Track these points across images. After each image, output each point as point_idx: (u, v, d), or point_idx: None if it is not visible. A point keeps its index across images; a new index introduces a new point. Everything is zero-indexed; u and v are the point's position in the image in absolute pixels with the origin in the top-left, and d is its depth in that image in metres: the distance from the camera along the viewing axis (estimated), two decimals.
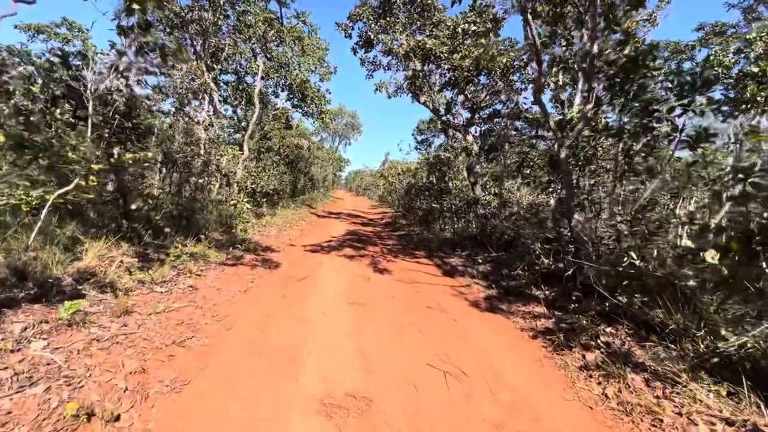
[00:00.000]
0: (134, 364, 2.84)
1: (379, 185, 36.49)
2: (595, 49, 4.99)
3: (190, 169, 7.42)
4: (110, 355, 2.91)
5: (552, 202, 7.65)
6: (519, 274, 5.98)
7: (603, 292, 4.55)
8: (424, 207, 15.54)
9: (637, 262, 3.79)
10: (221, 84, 14.93)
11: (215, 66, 11.76)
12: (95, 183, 3.86)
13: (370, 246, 10.01)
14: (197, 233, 6.83)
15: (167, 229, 5.57)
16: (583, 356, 3.74)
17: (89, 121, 3.91)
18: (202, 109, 10.32)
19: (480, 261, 7.45)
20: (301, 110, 16.92)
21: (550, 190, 6.87)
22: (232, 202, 8.99)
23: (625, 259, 4.60)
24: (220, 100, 13.94)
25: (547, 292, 5.38)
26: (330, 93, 17.37)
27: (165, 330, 3.56)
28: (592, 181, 6.07)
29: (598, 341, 3.92)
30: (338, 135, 43.78)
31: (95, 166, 3.51)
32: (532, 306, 5.11)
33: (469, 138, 10.60)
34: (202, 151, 8.90)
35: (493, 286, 6.06)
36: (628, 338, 3.94)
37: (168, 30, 10.40)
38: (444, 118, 11.08)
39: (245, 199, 9.29)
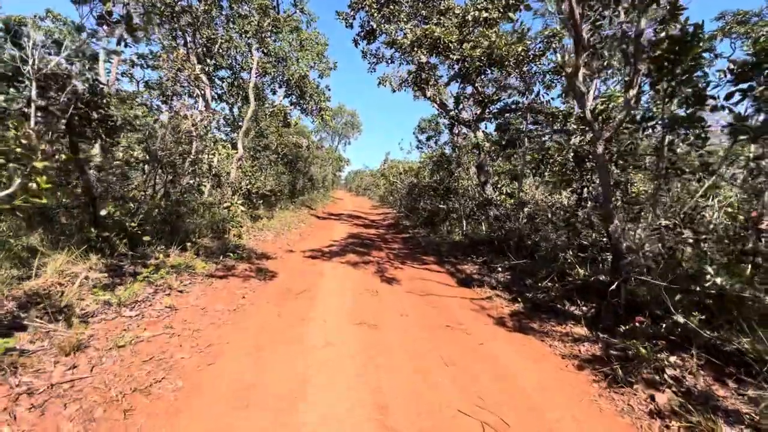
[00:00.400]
0: None
1: (380, 185, 35.74)
2: (643, 23, 4.25)
3: (176, 169, 6.66)
4: (42, 419, 2.16)
5: (571, 202, 6.92)
6: (548, 286, 5.24)
7: (658, 311, 3.81)
8: (429, 208, 14.80)
9: (718, 280, 3.05)
10: (216, 80, 14.17)
11: (208, 60, 11.00)
12: (47, 185, 3.10)
13: (374, 251, 9.27)
14: (184, 240, 6.08)
15: (146, 237, 4.81)
16: (651, 397, 2.99)
17: (32, 107, 3.17)
18: (194, 104, 9.57)
19: (499, 269, 6.71)
20: (299, 107, 16.16)
21: (577, 189, 6.13)
22: (224, 205, 8.24)
23: (683, 270, 3.87)
24: (214, 97, 13.19)
25: (584, 308, 4.64)
26: (330, 90, 16.61)
27: (128, 370, 2.81)
28: (628, 180, 5.33)
29: (665, 375, 3.18)
30: (338, 134, 42.94)
31: (39, 164, 2.76)
32: (569, 325, 4.37)
33: (479, 134, 9.85)
34: (193, 150, 8.15)
35: (519, 299, 5.31)
36: (702, 372, 3.20)
37: (158, 21, 9.65)
38: (452, 113, 10.32)
39: (239, 201, 8.54)
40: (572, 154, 6.21)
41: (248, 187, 9.33)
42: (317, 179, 25.53)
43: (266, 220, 11.19)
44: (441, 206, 12.01)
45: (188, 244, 5.98)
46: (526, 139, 7.24)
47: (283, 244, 8.93)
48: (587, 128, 5.22)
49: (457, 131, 14.88)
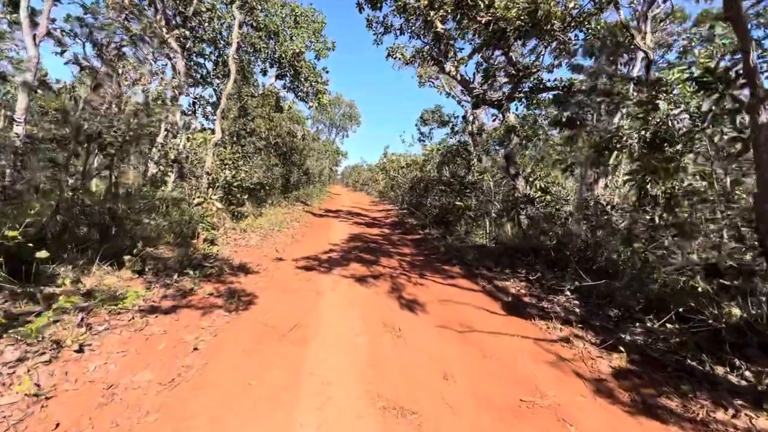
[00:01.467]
0: None
1: (379, 180, 33.87)
2: None
3: (123, 150, 4.78)
4: None
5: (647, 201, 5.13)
6: (667, 330, 3.44)
7: None
8: (439, 205, 12.97)
9: None
10: (197, 58, 12.15)
11: (182, 27, 9.03)
12: None
13: (383, 258, 7.44)
14: (123, 251, 4.21)
15: (41, 253, 2.94)
16: None
17: None
18: (159, 72, 7.65)
19: (566, 290, 4.90)
20: (293, 91, 14.21)
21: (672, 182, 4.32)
22: (196, 201, 6.38)
23: None
24: (193, 74, 11.20)
25: (749, 374, 2.84)
26: (327, 72, 14.65)
27: None
28: None
29: None
30: (335, 126, 40.78)
31: None
32: (740, 411, 2.58)
33: (511, 116, 8.02)
34: (160, 131, 6.23)
35: (618, 345, 3.51)
36: None
37: None
38: (477, 91, 8.46)
39: (216, 197, 6.69)
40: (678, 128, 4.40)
41: (229, 179, 7.46)
42: (313, 173, 23.59)
43: (252, 219, 9.31)
44: (457, 203, 10.18)
45: (128, 257, 4.11)
46: (594, 115, 5.43)
47: (271, 250, 7.07)
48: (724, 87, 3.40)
49: (471, 117, 13.04)
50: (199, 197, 6.38)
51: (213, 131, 9.04)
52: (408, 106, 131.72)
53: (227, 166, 7.52)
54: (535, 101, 8.36)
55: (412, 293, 5.29)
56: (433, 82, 18.53)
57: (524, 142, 7.89)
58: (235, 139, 9.83)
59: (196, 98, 13.11)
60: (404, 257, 7.71)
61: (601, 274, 4.72)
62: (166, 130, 6.86)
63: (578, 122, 5.28)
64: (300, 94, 13.70)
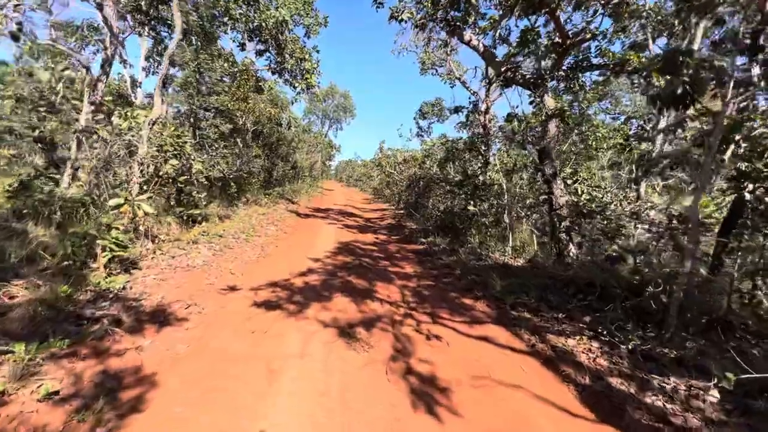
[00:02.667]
0: None
1: (374, 176, 31.77)
2: None
3: None
4: None
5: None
6: None
7: None
8: (444, 208, 10.97)
9: None
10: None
11: None
12: None
13: (380, 283, 5.42)
14: None
15: None
16: None
17: None
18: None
19: (712, 388, 2.88)
20: (278, 72, 12.01)
21: None
22: (112, 203, 4.29)
23: None
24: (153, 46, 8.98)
25: None
26: (318, 52, 12.46)
27: None
28: None
29: None
30: (328, 118, 38.29)
31: None
32: None
33: (549, 100, 6.03)
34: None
35: None
36: None
37: None
38: (507, 66, 6.40)
39: (144, 197, 4.59)
40: None
41: (172, 172, 5.33)
42: (302, 167, 21.39)
43: (214, 225, 7.23)
44: (470, 208, 8.18)
45: None
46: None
47: (223, 274, 5.00)
48: None
49: (484, 106, 11.02)
50: (117, 198, 4.29)
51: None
52: (406, 101, 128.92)
53: (172, 155, 5.44)
54: (577, 82, 6.36)
55: (427, 360, 3.29)
56: (436, 70, 16.46)
57: (570, 132, 5.94)
58: (191, 120, 7.72)
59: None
60: (407, 282, 5.69)
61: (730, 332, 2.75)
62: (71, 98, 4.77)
63: (690, 99, 3.31)
64: (285, 75, 11.53)
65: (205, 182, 7.03)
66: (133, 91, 10.58)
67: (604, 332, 3.64)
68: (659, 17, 9.03)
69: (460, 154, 12.86)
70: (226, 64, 9.39)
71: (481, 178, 9.16)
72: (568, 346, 3.59)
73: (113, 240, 3.75)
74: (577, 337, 3.70)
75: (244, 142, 10.74)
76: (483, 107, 11.21)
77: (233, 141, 9.57)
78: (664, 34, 9.73)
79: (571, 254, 5.94)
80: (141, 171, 5.08)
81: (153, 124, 5.19)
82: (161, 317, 3.37)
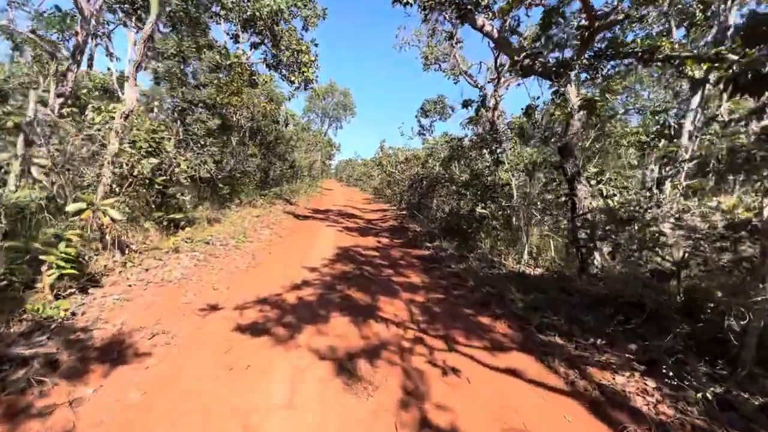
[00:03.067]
0: None
1: (374, 176, 31.10)
2: None
3: None
4: None
5: None
6: None
7: None
8: (450, 211, 10.30)
9: None
10: None
11: None
12: None
13: (384, 298, 4.76)
14: None
15: None
16: None
17: None
18: None
19: None
20: (274, 66, 11.34)
21: None
22: (70, 208, 3.61)
23: None
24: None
25: None
26: (317, 45, 11.77)
27: None
28: None
29: None
30: (328, 116, 37.49)
31: None
32: None
33: (571, 91, 5.35)
34: None
35: None
36: None
37: None
38: (526, 54, 5.67)
39: (111, 201, 3.92)
40: None
41: (147, 171, 4.65)
42: (301, 166, 20.69)
43: (201, 229, 6.56)
44: (480, 210, 7.51)
45: None
46: None
47: (205, 289, 4.33)
48: None
49: (492, 102, 10.34)
50: (78, 203, 3.61)
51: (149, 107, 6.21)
52: (407, 100, 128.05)
53: (147, 152, 4.75)
54: (602, 72, 5.69)
55: (446, 407, 2.63)
56: (440, 65, 15.78)
57: (599, 126, 5.27)
58: (175, 115, 7.04)
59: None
60: (415, 295, 5.03)
61: None
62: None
63: None
64: (282, 69, 10.85)
65: (190, 183, 6.36)
66: (120, 86, 9.90)
67: (662, 367, 2.97)
68: (679, 5, 8.36)
69: (466, 153, 12.20)
70: (217, 57, 8.72)
71: (490, 177, 8.50)
72: (617, 384, 2.92)
73: (61, 254, 3.08)
74: (627, 373, 3.03)
75: (239, 139, 10.06)
76: (491, 103, 10.53)
77: (224, 138, 8.89)
78: (684, 24, 9.06)
79: (595, 264, 5.28)
80: (111, 171, 4.41)
81: (125, 117, 4.51)
82: (115, 353, 2.70)
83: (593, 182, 5.89)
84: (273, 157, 13.83)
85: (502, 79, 10.30)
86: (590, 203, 5.47)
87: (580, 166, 5.65)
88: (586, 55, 5.88)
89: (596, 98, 4.97)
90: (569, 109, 5.16)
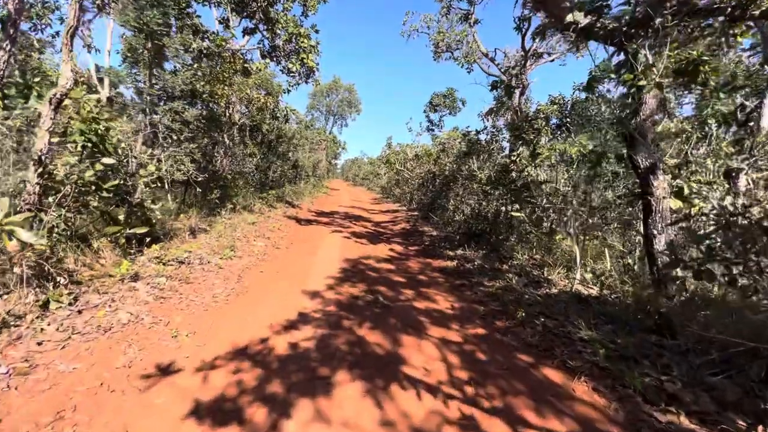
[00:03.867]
0: None
1: (382, 175, 29.82)
2: None
3: None
4: None
5: None
6: None
7: None
8: (473, 213, 8.96)
9: None
10: None
11: None
12: None
13: (407, 337, 3.49)
14: None
15: None
16: None
17: None
18: None
19: None
20: (271, 56, 10.11)
21: None
22: None
23: None
24: None
25: None
26: (317, 32, 10.49)
27: None
28: None
29: None
30: (332, 114, 36.08)
31: None
32: None
33: (646, 56, 4.03)
34: None
35: None
36: None
37: None
38: (589, 8, 4.32)
39: (21, 218, 2.72)
40: None
41: (89, 176, 3.43)
42: (304, 165, 19.46)
43: (179, 244, 5.35)
44: (514, 213, 6.18)
45: None
46: None
47: (161, 337, 3.09)
48: None
49: (519, 85, 8.98)
50: None
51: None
52: (412, 97, 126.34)
53: (82, 147, 3.52)
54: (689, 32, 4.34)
55: None
56: (452, 53, 14.40)
57: (707, 98, 3.94)
58: (146, 108, 5.81)
59: None
60: (448, 330, 3.74)
61: None
62: None
63: None
64: (279, 56, 9.60)
65: (166, 187, 5.15)
66: (100, 81, 8.73)
67: None
68: None
69: (487, 147, 10.86)
70: (204, 43, 7.50)
71: (523, 173, 7.13)
72: None
73: None
74: None
75: (231, 136, 8.85)
76: (517, 84, 9.18)
77: (213, 134, 7.68)
78: None
79: (683, 288, 3.93)
80: (38, 175, 3.21)
81: (58, 103, 3.31)
82: None
83: (669, 176, 4.54)
84: (273, 157, 12.60)
85: (528, 63, 8.95)
86: (671, 204, 4.13)
87: (657, 158, 4.30)
88: (663, 12, 4.52)
89: (704, 56, 3.61)
90: (647, 81, 3.82)
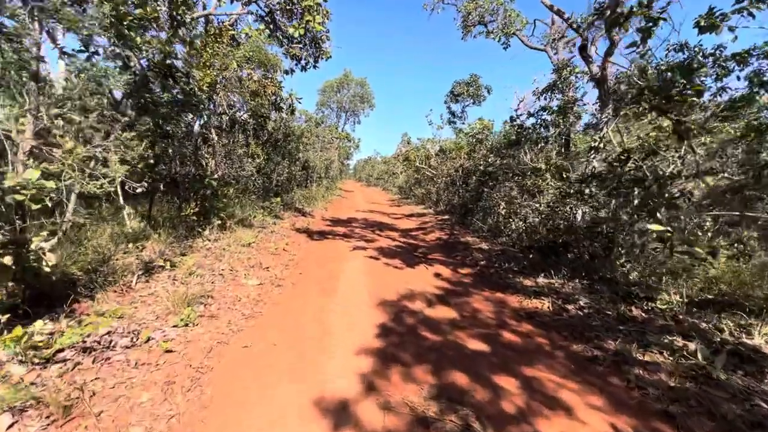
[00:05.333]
0: None
1: (398, 173, 27.44)
2: None
3: None
4: None
5: None
6: None
7: None
8: (554, 224, 6.51)
9: None
10: None
11: None
12: None
13: None
14: None
15: None
16: None
17: None
18: None
19: None
20: (270, 25, 7.84)
21: None
22: None
23: None
24: None
25: None
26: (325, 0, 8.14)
27: None
28: None
29: None
30: (344, 110, 33.46)
31: None
32: None
33: None
34: None
35: None
36: None
37: None
38: None
39: None
40: None
41: None
42: (316, 166, 17.22)
43: (101, 307, 3.09)
44: (653, 226, 3.78)
45: None
46: None
47: None
48: None
49: (593, 51, 6.48)
50: None
51: None
52: (425, 93, 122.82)
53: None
54: None
55: None
56: (485, 25, 11.91)
57: None
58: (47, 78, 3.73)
59: None
60: None
61: None
62: None
63: None
64: (275, 21, 7.35)
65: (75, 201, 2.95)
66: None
67: None
68: None
69: (543, 134, 8.43)
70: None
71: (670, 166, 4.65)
72: None
73: None
74: None
75: (222, 132, 6.66)
76: (593, 52, 6.70)
77: (177, 122, 5.46)
78: None
79: None
80: None
81: None
82: None
83: None
84: (278, 156, 10.37)
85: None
86: None
87: None
88: None
89: None
90: None
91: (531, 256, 5.92)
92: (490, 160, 10.81)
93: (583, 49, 6.46)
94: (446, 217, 12.55)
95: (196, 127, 6.75)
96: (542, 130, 8.38)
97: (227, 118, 7.02)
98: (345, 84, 31.54)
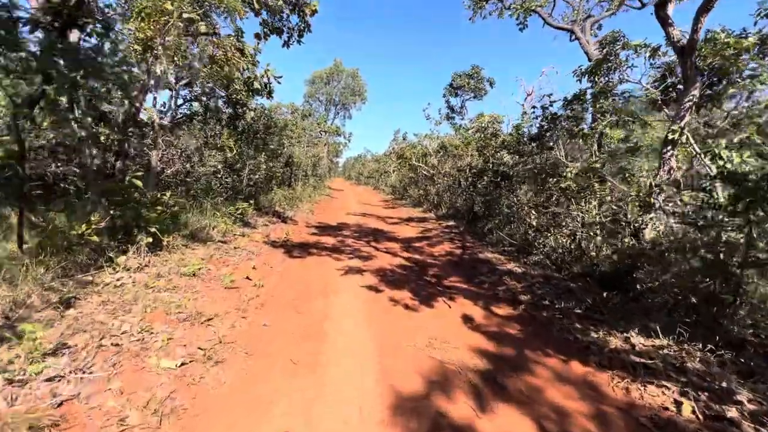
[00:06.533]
0: None
1: (390, 172, 25.52)
2: None
3: None
4: None
5: None
6: None
7: None
8: (623, 246, 4.73)
9: None
10: None
11: None
12: None
13: None
14: None
15: None
16: None
17: None
18: None
19: None
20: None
21: None
22: None
23: None
24: None
25: None
26: None
27: None
28: None
29: None
30: (334, 104, 31.03)
31: None
32: None
33: None
34: None
35: None
36: None
37: None
38: None
39: None
40: None
41: None
42: (301, 163, 15.14)
43: None
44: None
45: None
46: None
47: None
48: None
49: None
50: None
51: None
52: (416, 92, 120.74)
53: None
54: None
55: None
56: (501, 2, 10.07)
57: None
58: None
59: None
60: None
61: None
62: None
63: None
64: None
65: None
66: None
67: None
68: None
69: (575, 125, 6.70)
70: None
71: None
72: None
73: None
74: None
75: (161, 117, 4.72)
76: (670, 8, 4.93)
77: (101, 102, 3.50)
78: None
79: None
80: None
81: None
82: None
83: None
84: (250, 150, 8.34)
85: None
86: None
87: None
88: None
89: None
90: None
91: (574, 288, 4.12)
92: (506, 159, 9.03)
93: (661, 6, 4.69)
94: (451, 223, 10.73)
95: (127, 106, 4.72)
96: (581, 120, 6.62)
97: (171, 96, 5.07)
98: (335, 75, 29.20)
